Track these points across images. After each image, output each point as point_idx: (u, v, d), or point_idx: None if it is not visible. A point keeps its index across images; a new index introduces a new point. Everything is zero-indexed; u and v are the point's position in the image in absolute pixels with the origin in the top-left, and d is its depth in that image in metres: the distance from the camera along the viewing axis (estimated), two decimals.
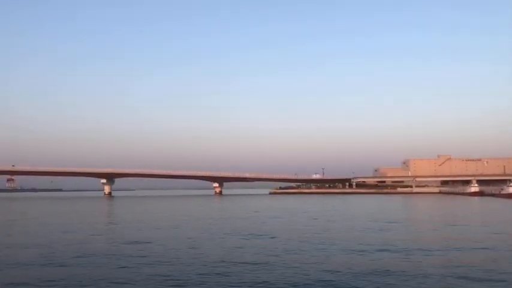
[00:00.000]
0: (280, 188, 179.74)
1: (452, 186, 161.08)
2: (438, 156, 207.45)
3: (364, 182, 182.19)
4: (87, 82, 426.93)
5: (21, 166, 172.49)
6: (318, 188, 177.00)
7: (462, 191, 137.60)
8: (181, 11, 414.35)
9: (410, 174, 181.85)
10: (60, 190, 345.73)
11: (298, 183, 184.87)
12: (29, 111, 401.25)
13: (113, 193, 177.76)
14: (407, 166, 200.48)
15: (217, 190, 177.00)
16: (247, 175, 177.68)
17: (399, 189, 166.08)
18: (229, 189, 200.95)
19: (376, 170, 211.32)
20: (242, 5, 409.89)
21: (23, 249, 24.85)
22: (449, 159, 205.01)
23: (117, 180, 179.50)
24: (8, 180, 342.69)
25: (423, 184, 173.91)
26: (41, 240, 28.48)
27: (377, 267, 18.15)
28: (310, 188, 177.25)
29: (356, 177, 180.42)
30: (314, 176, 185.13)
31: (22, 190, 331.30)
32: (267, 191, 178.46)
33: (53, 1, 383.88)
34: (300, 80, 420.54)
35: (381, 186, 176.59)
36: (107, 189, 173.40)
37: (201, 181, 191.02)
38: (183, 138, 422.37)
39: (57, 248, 24.77)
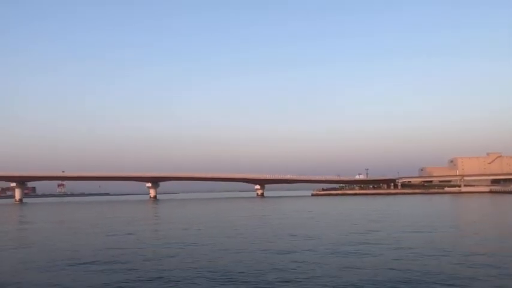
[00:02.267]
0: (323, 189, 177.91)
1: (504, 185, 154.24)
2: (487, 154, 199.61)
3: (409, 182, 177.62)
4: (130, 89, 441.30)
5: (70, 172, 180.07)
6: (361, 189, 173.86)
7: None
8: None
9: (457, 173, 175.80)
10: (108, 194, 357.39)
11: (341, 185, 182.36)
12: (70, 121, 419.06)
13: (158, 196, 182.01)
14: (454, 165, 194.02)
15: (259, 192, 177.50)
16: (289, 177, 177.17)
17: (446, 189, 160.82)
18: (270, 191, 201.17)
19: (421, 170, 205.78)
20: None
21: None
22: (500, 157, 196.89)
23: (161, 184, 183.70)
24: (59, 185, 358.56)
25: (472, 183, 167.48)
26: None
27: None
28: (353, 189, 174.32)
29: (401, 178, 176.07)
30: (357, 177, 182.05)
31: (72, 195, 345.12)
32: (308, 193, 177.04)
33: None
34: (342, 80, 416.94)
35: (427, 186, 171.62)
36: (152, 192, 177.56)
37: (242, 183, 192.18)
38: (224, 141, 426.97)
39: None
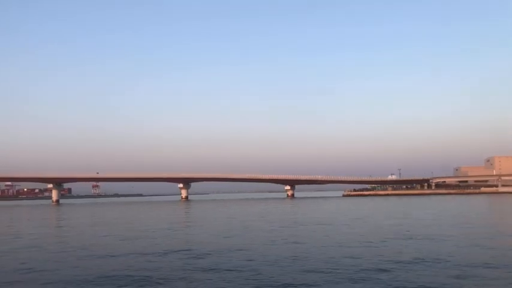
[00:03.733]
0: (354, 190, 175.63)
1: None
2: None
3: (444, 182, 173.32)
4: (163, 89, 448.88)
5: (104, 173, 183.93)
6: (394, 189, 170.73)
7: None
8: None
9: (494, 173, 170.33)
10: (141, 195, 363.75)
11: (373, 185, 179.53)
12: (103, 123, 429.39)
13: (189, 197, 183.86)
14: (491, 164, 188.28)
15: (289, 193, 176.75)
16: (319, 177, 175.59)
17: (483, 189, 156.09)
18: (301, 191, 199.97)
19: (456, 170, 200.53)
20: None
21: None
22: None
23: (192, 185, 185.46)
24: (94, 186, 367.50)
25: (510, 183, 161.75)
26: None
27: None
28: (386, 189, 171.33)
29: (435, 178, 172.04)
30: (390, 177, 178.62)
31: (106, 196, 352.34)
32: (339, 193, 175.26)
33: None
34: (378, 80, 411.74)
35: (462, 187, 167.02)
36: (183, 193, 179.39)
37: (273, 184, 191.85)
38: (256, 142, 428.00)
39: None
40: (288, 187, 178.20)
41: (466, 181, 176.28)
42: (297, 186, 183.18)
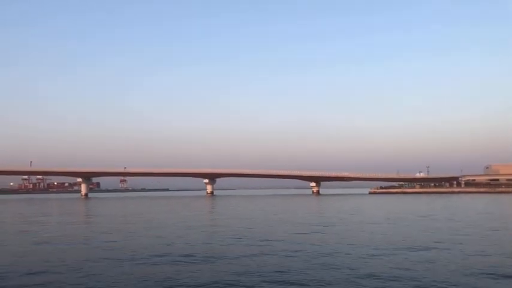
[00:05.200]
0: (381, 187, 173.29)
1: None
2: None
3: (474, 180, 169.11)
4: (190, 85, 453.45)
5: (131, 168, 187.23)
6: (422, 187, 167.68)
7: None
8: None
9: None
10: (167, 190, 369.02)
11: (401, 183, 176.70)
12: (131, 122, 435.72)
13: (215, 192, 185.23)
14: None
15: (315, 190, 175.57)
16: (346, 174, 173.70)
17: None
18: (326, 188, 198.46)
19: (487, 168, 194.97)
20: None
21: None
22: None
23: (218, 180, 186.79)
24: (121, 181, 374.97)
25: None
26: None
27: None
28: (413, 187, 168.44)
29: (464, 176, 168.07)
30: (418, 175, 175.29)
31: (133, 190, 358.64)
32: (365, 191, 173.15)
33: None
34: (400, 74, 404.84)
35: (493, 185, 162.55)
36: (209, 188, 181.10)
37: (298, 180, 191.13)
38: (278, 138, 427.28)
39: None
40: (313, 184, 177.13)
41: (497, 179, 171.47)
42: (322, 183, 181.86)
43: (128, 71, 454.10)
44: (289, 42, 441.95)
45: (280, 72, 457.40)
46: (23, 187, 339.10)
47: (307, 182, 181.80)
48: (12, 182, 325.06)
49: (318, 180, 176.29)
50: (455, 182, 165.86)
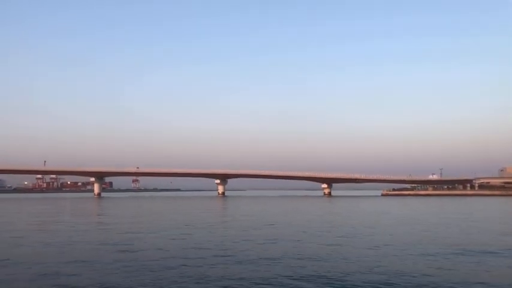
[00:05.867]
0: (393, 189, 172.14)
1: None
2: None
3: (488, 183, 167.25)
4: (193, 88, 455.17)
5: (144, 168, 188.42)
6: (434, 189, 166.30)
7: None
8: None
9: None
10: (179, 190, 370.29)
11: (413, 185, 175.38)
12: (140, 123, 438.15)
13: (226, 193, 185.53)
14: None
15: (326, 191, 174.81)
16: (358, 176, 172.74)
17: None
18: (338, 190, 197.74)
19: (501, 170, 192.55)
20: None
21: None
22: None
23: (229, 181, 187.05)
24: (134, 181, 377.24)
25: None
26: None
27: None
28: (426, 189, 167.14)
29: (478, 178, 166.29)
30: (430, 177, 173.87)
31: (145, 190, 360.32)
32: (378, 193, 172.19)
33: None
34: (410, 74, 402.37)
35: (508, 188, 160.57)
36: (220, 189, 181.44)
37: (308, 182, 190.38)
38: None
39: None
40: (324, 185, 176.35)
41: None
42: (334, 185, 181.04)
43: (128, 71, 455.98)
44: (289, 42, 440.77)
45: (280, 72, 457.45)
46: (37, 186, 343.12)
47: (318, 184, 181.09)
48: (26, 181, 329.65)
49: (329, 181, 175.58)
50: (468, 185, 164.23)
